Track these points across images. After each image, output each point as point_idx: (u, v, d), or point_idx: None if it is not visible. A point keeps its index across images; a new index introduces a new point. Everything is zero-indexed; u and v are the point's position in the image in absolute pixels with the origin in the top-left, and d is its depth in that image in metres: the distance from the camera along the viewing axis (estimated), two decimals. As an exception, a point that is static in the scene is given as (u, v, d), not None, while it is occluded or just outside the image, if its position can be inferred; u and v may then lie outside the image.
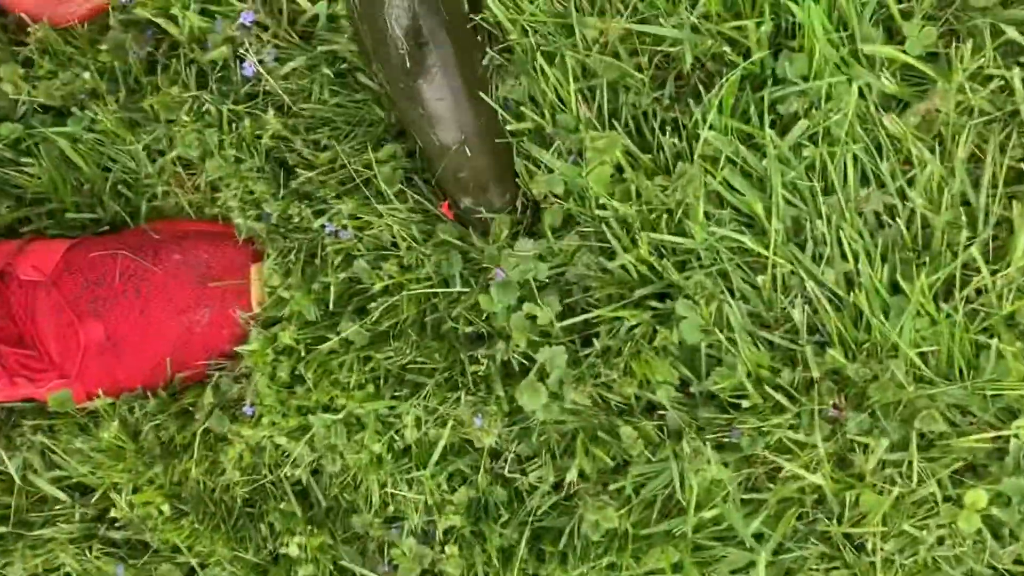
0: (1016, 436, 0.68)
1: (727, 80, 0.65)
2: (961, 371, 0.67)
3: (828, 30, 0.64)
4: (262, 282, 0.81)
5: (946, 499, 0.68)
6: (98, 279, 0.83)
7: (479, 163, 0.74)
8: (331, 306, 0.77)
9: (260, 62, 0.75)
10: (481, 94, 0.73)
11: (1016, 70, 0.64)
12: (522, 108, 0.69)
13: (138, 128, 0.79)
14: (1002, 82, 0.65)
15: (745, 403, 0.68)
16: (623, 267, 0.70)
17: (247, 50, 0.76)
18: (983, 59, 0.64)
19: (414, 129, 0.72)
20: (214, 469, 0.81)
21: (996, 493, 0.67)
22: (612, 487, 0.70)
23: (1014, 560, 0.69)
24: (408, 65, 0.72)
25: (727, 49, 0.68)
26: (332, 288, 0.76)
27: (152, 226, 0.85)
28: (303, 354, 0.77)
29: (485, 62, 0.73)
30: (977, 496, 0.68)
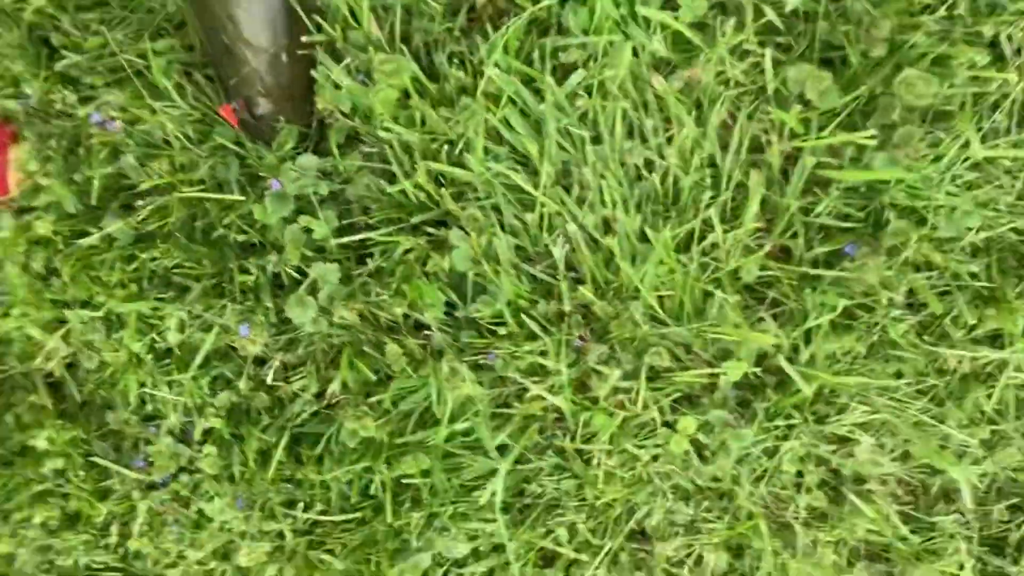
0: (726, 374, 0.79)
1: (514, 22, 0.71)
2: (689, 315, 0.78)
3: None
4: (19, 163, 0.79)
5: (664, 424, 0.80)
6: None
7: (295, 71, 0.76)
8: (94, 200, 0.77)
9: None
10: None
11: (768, 50, 0.73)
12: (316, 19, 0.72)
13: None
14: (758, 59, 0.74)
15: (502, 330, 0.76)
16: (403, 192, 0.75)
17: None
18: (743, 36, 0.72)
19: (216, 23, 0.72)
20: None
21: (703, 422, 0.79)
22: (373, 399, 0.78)
23: (712, 478, 0.83)
24: None
25: None
26: (95, 182, 0.75)
27: None
28: (60, 247, 0.77)
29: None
30: (687, 423, 0.81)
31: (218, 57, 0.71)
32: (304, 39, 0.71)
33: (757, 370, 0.76)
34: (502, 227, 0.74)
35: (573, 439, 0.77)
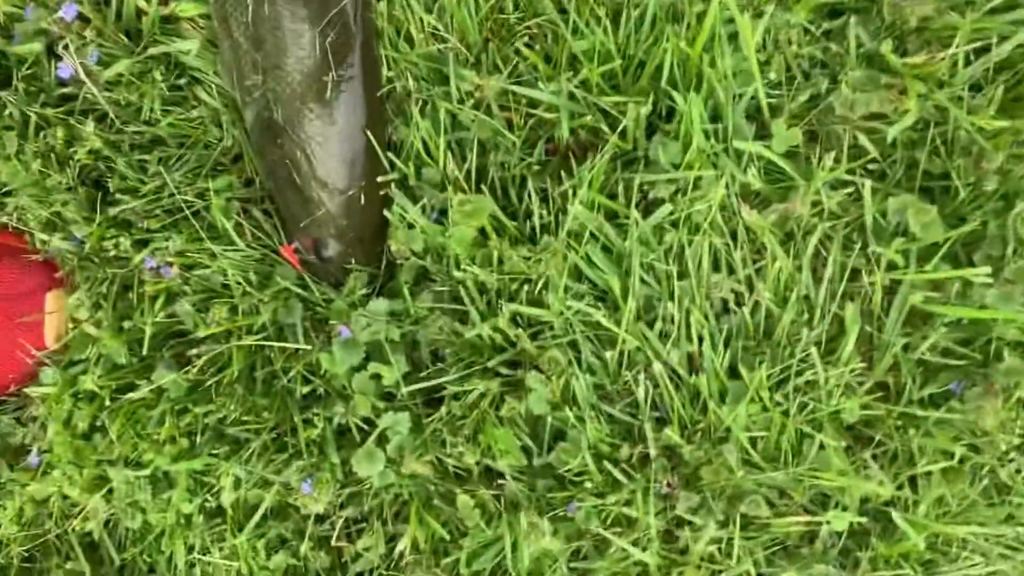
0: (827, 523, 0.75)
1: (601, 157, 0.71)
2: (786, 458, 0.75)
3: (704, 121, 0.70)
4: (61, 313, 0.77)
5: None
6: None
7: (369, 212, 0.74)
8: (145, 351, 0.74)
9: (81, 64, 0.69)
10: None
11: (868, 181, 0.72)
12: (391, 156, 0.72)
13: None
14: (853, 188, 0.73)
15: (586, 482, 0.74)
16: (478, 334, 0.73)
17: (66, 48, 0.70)
18: (838, 166, 0.72)
19: (287, 161, 0.70)
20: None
21: None
22: (446, 560, 0.75)
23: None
24: (311, 86, 0.69)
25: (603, 127, 0.72)
26: (148, 331, 0.72)
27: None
28: (107, 402, 0.73)
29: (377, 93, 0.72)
30: None
31: (284, 195, 0.72)
32: (380, 179, 0.72)
33: (863, 519, 0.76)
34: (579, 364, 0.74)
35: None
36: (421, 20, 0.69)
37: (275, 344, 0.71)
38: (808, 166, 0.73)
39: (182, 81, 0.69)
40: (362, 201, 0.72)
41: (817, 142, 0.75)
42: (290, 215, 0.72)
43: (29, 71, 0.69)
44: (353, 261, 0.73)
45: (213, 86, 0.72)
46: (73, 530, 0.75)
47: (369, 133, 0.70)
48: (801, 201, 0.72)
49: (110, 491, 0.74)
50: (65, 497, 0.75)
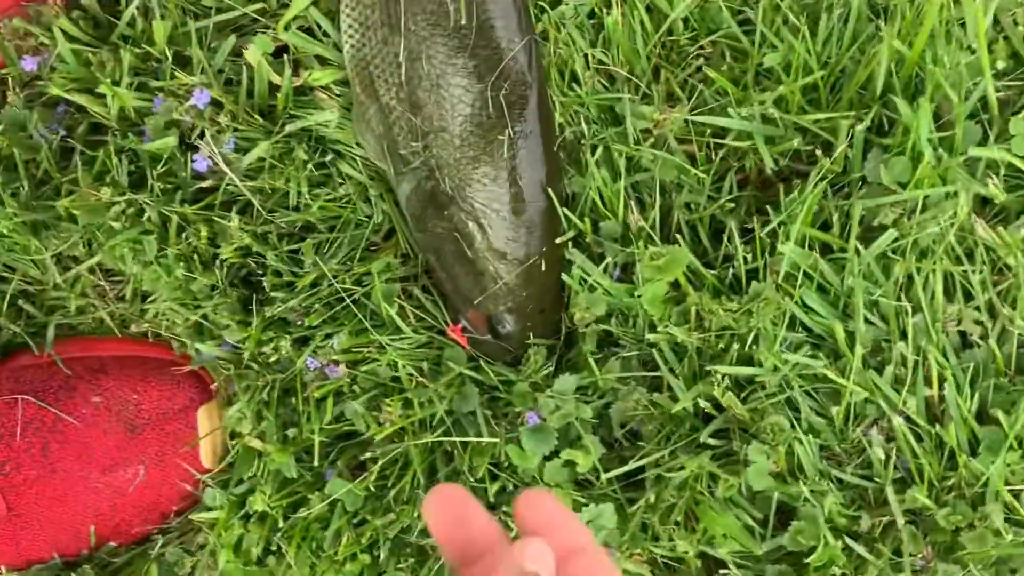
0: None
1: (814, 185, 0.64)
2: None
3: (932, 131, 0.63)
4: (214, 429, 0.71)
5: None
6: None
7: (550, 279, 0.67)
8: (316, 461, 0.67)
9: (219, 153, 0.63)
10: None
11: None
12: (565, 212, 0.67)
13: (46, 231, 0.69)
14: None
15: (829, 565, 0.65)
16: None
17: (201, 138, 0.65)
18: None
19: (456, 233, 0.64)
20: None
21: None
22: None
23: None
24: (483, 147, 0.62)
25: (816, 151, 0.64)
26: (316, 439, 0.66)
27: (62, 350, 0.72)
28: (279, 522, 0.67)
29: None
30: None
31: (452, 271, 0.67)
32: (559, 240, 0.67)
33: None
34: (798, 424, 0.67)
35: None
36: (586, 56, 0.61)
37: (457, 440, 0.62)
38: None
39: (327, 158, 0.62)
40: (543, 267, 0.67)
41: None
42: (458, 292, 0.70)
43: (164, 168, 0.62)
44: (532, 335, 0.69)
45: (357, 158, 0.65)
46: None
47: (550, 191, 0.66)
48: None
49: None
50: (241, 628, 0.67)
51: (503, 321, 0.68)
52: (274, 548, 0.69)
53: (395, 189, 0.68)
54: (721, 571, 0.70)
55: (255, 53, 0.64)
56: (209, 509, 0.70)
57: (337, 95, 0.69)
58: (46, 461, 0.68)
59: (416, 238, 0.69)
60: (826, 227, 0.68)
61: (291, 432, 0.68)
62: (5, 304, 0.70)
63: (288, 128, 0.66)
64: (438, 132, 0.63)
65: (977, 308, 0.68)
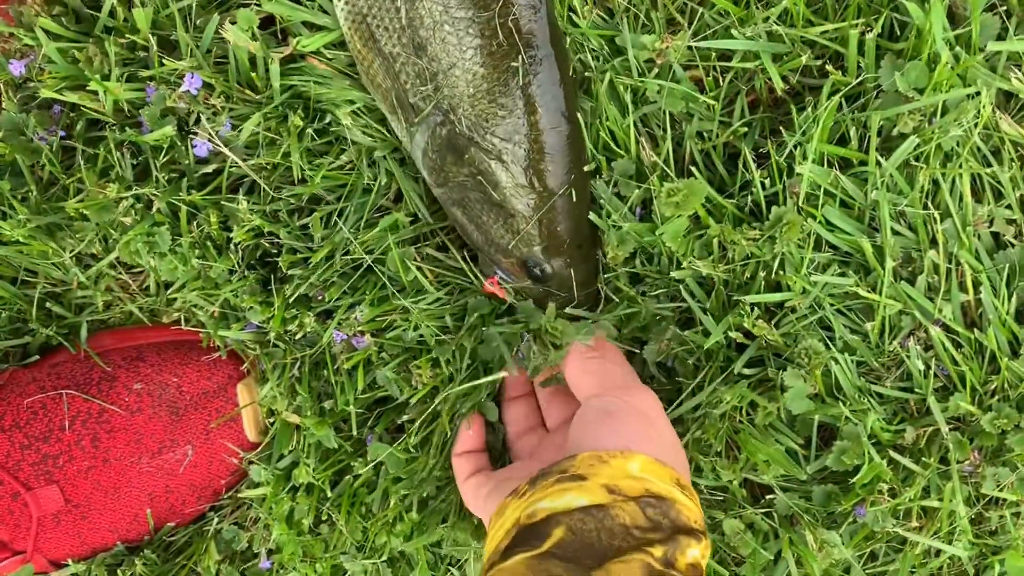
0: None
1: (827, 100, 0.61)
2: None
3: (947, 30, 0.61)
4: (255, 404, 0.71)
5: None
6: (43, 432, 0.70)
7: (581, 210, 0.64)
8: (354, 430, 0.67)
9: (217, 134, 0.63)
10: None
11: None
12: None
13: (61, 232, 0.69)
14: None
15: (875, 481, 0.65)
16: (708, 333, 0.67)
17: (198, 123, 0.64)
18: None
19: (479, 172, 0.62)
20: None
21: None
22: None
23: None
24: (497, 77, 0.59)
25: (824, 63, 0.62)
26: (352, 410, 0.66)
27: (97, 345, 0.73)
28: (328, 492, 0.68)
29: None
30: None
31: (479, 220, 0.65)
32: (586, 168, 0.65)
33: None
34: (832, 343, 0.66)
35: None
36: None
37: (485, 381, 0.63)
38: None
39: (326, 121, 0.61)
40: (573, 198, 0.64)
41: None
42: (490, 243, 0.67)
43: (166, 157, 0.61)
44: (574, 273, 0.66)
45: (360, 114, 0.63)
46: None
47: (572, 115, 0.63)
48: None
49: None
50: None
51: (541, 262, 0.65)
52: (324, 517, 0.71)
53: (409, 148, 0.66)
54: (767, 496, 0.70)
55: (235, 32, 0.62)
56: (256, 485, 0.71)
57: (329, 59, 0.66)
58: (97, 451, 0.70)
59: (439, 196, 0.66)
60: (844, 142, 0.66)
61: (327, 404, 0.69)
62: (34, 308, 0.70)
63: (277, 100, 0.63)
64: (447, 71, 0.60)
65: (1008, 207, 0.66)
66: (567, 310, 0.67)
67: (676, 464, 0.57)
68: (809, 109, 0.63)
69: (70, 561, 0.73)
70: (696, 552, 0.51)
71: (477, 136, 0.61)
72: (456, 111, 0.60)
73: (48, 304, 0.72)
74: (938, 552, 0.70)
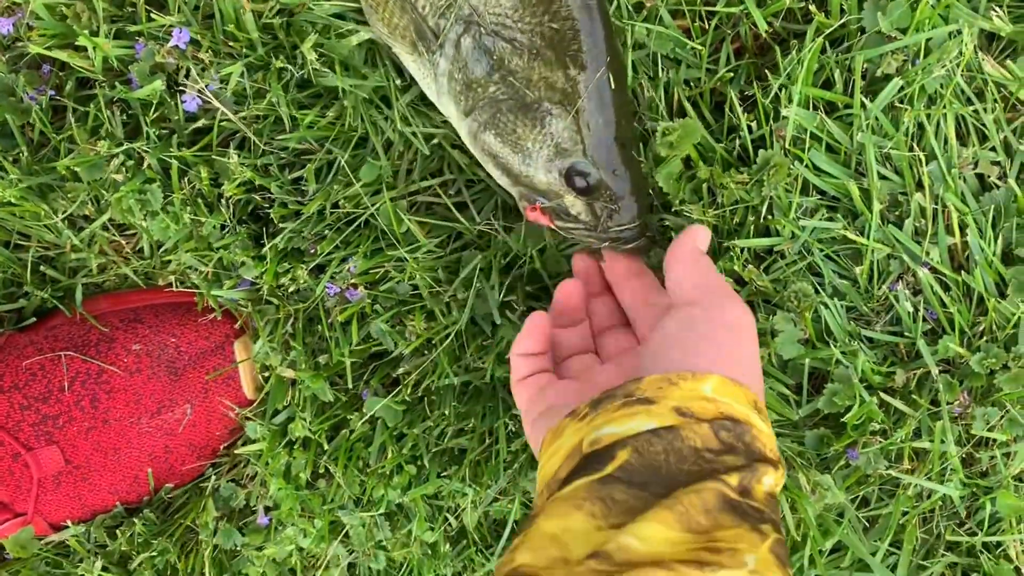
0: None
1: (811, 43, 0.61)
2: None
3: None
4: (251, 360, 0.72)
5: None
6: (42, 393, 0.71)
7: (622, 98, 0.61)
8: (349, 383, 0.68)
9: (206, 88, 0.63)
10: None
11: None
12: None
13: (53, 193, 0.69)
14: None
15: (867, 422, 0.66)
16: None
17: (187, 77, 0.64)
18: None
19: (512, 76, 0.59)
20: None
21: None
22: None
23: None
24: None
25: (807, 5, 0.63)
26: (347, 362, 0.66)
27: (93, 308, 0.73)
28: (324, 445, 0.69)
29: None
30: None
31: (513, 135, 0.61)
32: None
33: None
34: (822, 288, 0.67)
35: (963, 524, 0.70)
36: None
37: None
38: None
39: (315, 63, 0.61)
40: (611, 84, 0.59)
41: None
42: (527, 158, 0.61)
43: (156, 114, 0.62)
44: (629, 183, 0.61)
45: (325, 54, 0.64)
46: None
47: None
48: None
49: (347, 535, 0.69)
50: (302, 549, 0.69)
51: (584, 170, 0.60)
52: (322, 471, 0.72)
53: (434, 87, 0.62)
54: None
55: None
56: (253, 441, 0.72)
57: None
58: (96, 412, 0.70)
59: (468, 130, 0.62)
60: (828, 85, 0.66)
61: (322, 359, 0.69)
62: (28, 272, 0.71)
63: (259, 50, 0.63)
64: None
65: (992, 148, 0.66)
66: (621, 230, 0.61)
67: (754, 384, 0.52)
68: (794, 52, 0.63)
69: (69, 523, 0.73)
70: (771, 480, 0.47)
71: (504, 32, 0.58)
72: (478, 12, 0.57)
73: (42, 267, 0.71)
74: (930, 494, 0.71)
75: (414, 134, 0.66)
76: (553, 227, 0.62)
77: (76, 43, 0.65)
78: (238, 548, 0.73)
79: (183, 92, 0.64)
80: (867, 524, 0.72)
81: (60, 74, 0.67)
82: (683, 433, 0.46)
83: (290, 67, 0.64)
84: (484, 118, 0.60)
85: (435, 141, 0.67)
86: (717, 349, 0.51)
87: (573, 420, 0.51)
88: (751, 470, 0.46)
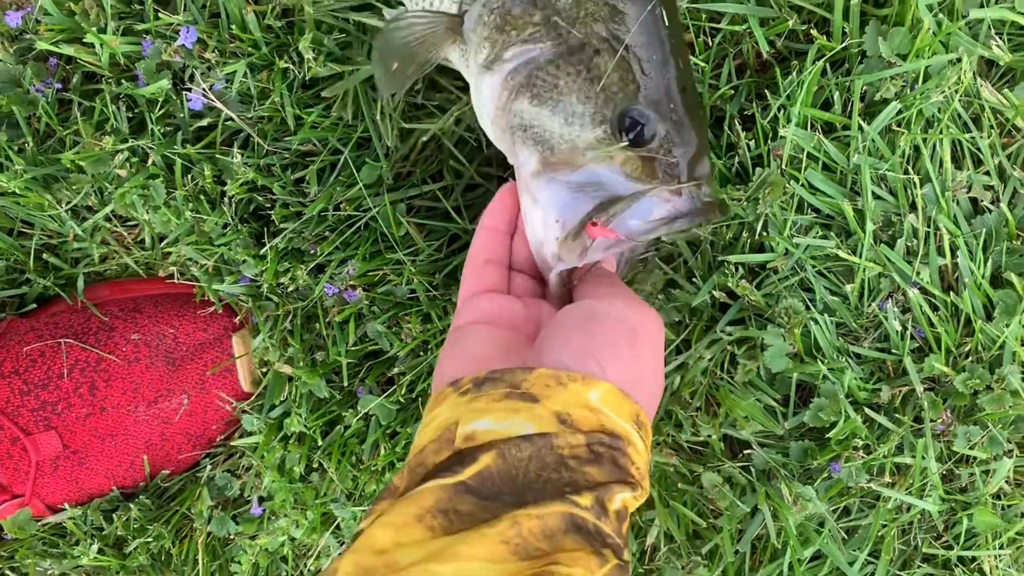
0: None
1: (812, 64, 0.62)
2: None
3: None
4: (249, 354, 0.73)
5: None
6: (42, 380, 0.72)
7: (676, 36, 0.54)
8: (344, 381, 0.69)
9: (210, 89, 0.63)
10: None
11: None
12: None
13: (57, 184, 0.71)
14: None
15: (851, 437, 0.67)
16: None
17: (192, 78, 0.65)
18: None
19: (555, 13, 0.52)
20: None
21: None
22: (705, 547, 0.70)
23: None
24: None
25: (809, 28, 0.62)
26: (344, 361, 0.68)
27: (94, 296, 0.74)
28: (318, 441, 0.69)
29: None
30: None
31: (557, 93, 0.53)
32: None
33: None
34: (812, 304, 0.68)
35: (940, 537, 0.72)
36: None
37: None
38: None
39: (312, 62, 0.62)
40: (664, 18, 0.53)
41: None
42: (572, 115, 0.53)
43: (161, 111, 0.62)
44: (687, 126, 0.53)
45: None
46: (309, 570, 0.72)
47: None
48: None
49: (338, 527, 0.71)
50: (294, 539, 0.71)
51: (642, 115, 0.51)
52: (316, 465, 0.73)
53: (467, 47, 0.56)
54: (745, 451, 0.72)
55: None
56: (249, 434, 0.73)
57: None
58: (95, 399, 0.71)
59: (492, 88, 0.54)
60: (827, 106, 0.67)
61: (318, 356, 0.70)
62: (31, 259, 0.72)
63: (265, 49, 0.63)
64: None
65: (987, 173, 0.67)
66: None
67: (643, 395, 0.50)
68: (794, 73, 0.64)
69: (66, 506, 0.75)
70: (625, 497, 0.46)
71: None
72: None
73: (45, 256, 0.72)
74: (909, 507, 0.73)
75: (412, 131, 0.67)
76: (618, 238, 0.52)
77: (84, 39, 0.66)
78: (231, 536, 0.75)
79: (189, 91, 0.65)
80: (846, 535, 0.74)
81: (67, 67, 0.68)
82: (556, 442, 0.45)
83: (292, 67, 0.65)
84: (518, 80, 0.53)
85: (425, 138, 0.67)
86: (614, 352, 0.49)
87: (455, 392, 0.49)
88: (606, 489, 0.45)
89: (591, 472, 0.45)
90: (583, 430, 0.46)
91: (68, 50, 0.65)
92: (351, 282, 0.66)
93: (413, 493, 0.44)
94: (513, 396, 0.47)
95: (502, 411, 0.46)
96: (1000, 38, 0.64)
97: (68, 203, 0.69)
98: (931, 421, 0.68)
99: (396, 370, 0.69)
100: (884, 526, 0.74)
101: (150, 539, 0.73)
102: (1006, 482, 0.72)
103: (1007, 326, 0.68)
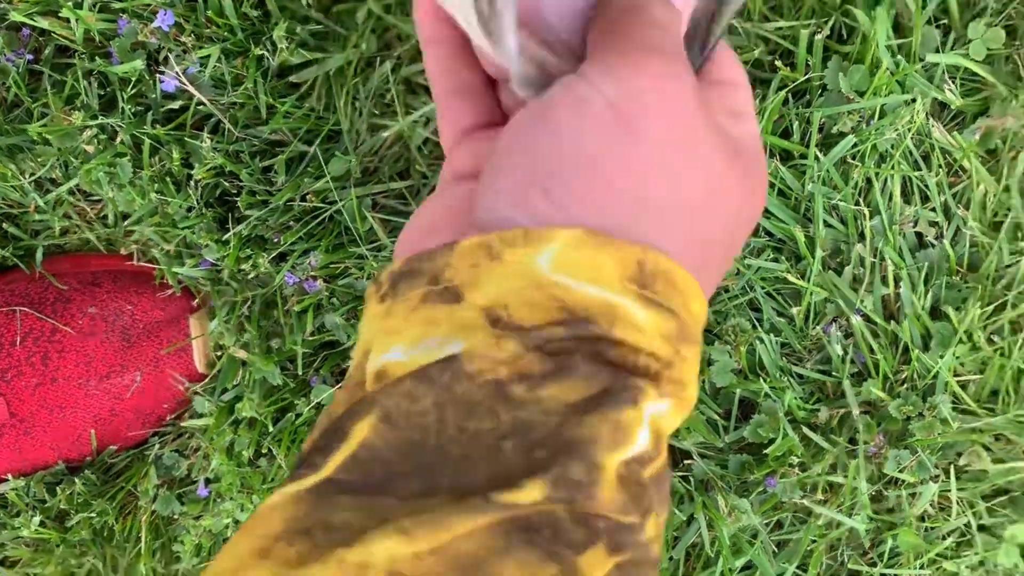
0: None
1: (774, 93, 0.65)
2: (1003, 400, 0.70)
3: (890, 38, 0.64)
4: (206, 336, 0.74)
5: (980, 528, 0.72)
6: None
7: None
8: (299, 370, 0.71)
9: (184, 72, 0.64)
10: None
11: None
12: None
13: (21, 154, 0.74)
14: None
15: (788, 455, 0.69)
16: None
17: (166, 60, 0.65)
18: None
19: None
20: (166, 557, 0.74)
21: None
22: None
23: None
24: None
25: (774, 58, 0.65)
26: (299, 351, 0.68)
27: (54, 268, 0.74)
28: (269, 427, 0.70)
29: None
30: (1018, 530, 0.71)
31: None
32: None
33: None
34: (760, 324, 0.70)
35: (865, 554, 0.73)
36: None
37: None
38: (1014, 69, 0.63)
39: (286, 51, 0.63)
40: None
41: (1018, 38, 0.64)
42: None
43: (133, 90, 0.63)
44: None
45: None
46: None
47: None
48: (1009, 112, 0.62)
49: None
50: (238, 522, 0.72)
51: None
52: (264, 451, 0.74)
53: None
54: (685, 461, 0.74)
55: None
56: (200, 416, 0.74)
57: None
58: (46, 369, 0.71)
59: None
60: (787, 134, 0.69)
61: (275, 343, 0.71)
62: (-10, 228, 0.76)
63: (240, 35, 0.64)
64: None
65: (933, 209, 0.70)
66: None
67: (657, 229, 0.28)
68: (757, 100, 0.68)
69: (9, 476, 0.75)
70: (659, 408, 0.28)
71: None
72: None
73: (5, 225, 0.72)
74: (839, 524, 0.76)
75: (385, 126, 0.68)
76: None
77: (60, 13, 0.66)
78: (176, 516, 0.76)
79: (163, 73, 0.65)
80: (777, 548, 0.77)
81: (40, 39, 0.68)
82: (472, 367, 0.27)
83: (267, 55, 0.66)
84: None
85: (388, 135, 0.69)
86: (590, 166, 0.28)
87: (374, 295, 0.30)
88: (592, 421, 0.26)
89: (555, 393, 0.27)
90: (527, 326, 0.27)
91: (43, 23, 0.65)
92: (312, 273, 0.67)
93: (257, 513, 0.27)
94: (431, 298, 0.28)
95: (418, 326, 0.28)
96: (953, 82, 0.67)
97: (32, 175, 0.69)
98: (865, 443, 0.71)
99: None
100: (814, 541, 0.77)
101: (93, 514, 0.74)
102: (931, 505, 0.76)
103: (942, 357, 0.71)
